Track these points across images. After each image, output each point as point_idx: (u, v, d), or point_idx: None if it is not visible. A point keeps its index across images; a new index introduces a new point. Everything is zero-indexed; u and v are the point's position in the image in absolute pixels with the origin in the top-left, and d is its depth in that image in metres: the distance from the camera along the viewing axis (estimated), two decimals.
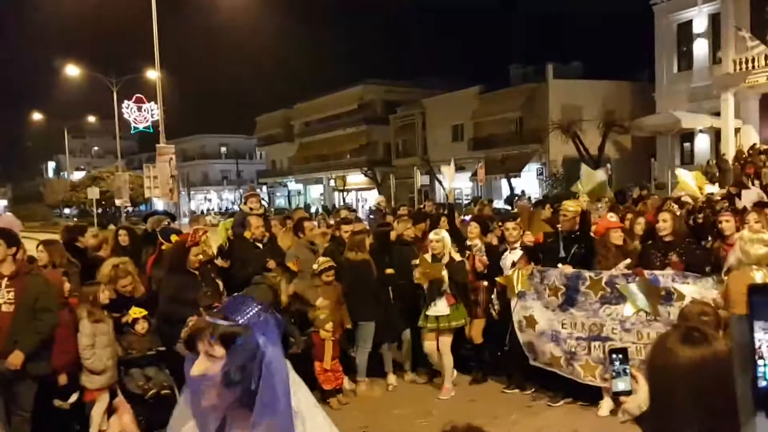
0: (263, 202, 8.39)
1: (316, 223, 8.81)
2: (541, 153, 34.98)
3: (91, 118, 57.78)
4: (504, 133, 37.27)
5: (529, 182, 34.41)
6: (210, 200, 70.88)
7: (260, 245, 6.96)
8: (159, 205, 26.85)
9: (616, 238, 6.13)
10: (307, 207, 40.89)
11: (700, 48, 26.78)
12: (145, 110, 28.71)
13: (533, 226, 7.16)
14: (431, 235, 6.78)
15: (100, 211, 37.52)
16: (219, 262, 6.63)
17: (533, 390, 6.50)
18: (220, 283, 6.31)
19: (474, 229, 7.31)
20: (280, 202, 59.68)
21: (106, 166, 51.56)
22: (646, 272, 5.70)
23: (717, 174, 16.18)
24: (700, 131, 26.20)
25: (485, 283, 6.87)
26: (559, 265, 6.19)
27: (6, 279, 5.00)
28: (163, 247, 6.62)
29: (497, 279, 6.69)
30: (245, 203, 7.72)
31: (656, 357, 1.69)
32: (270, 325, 1.71)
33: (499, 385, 6.81)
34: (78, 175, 58.60)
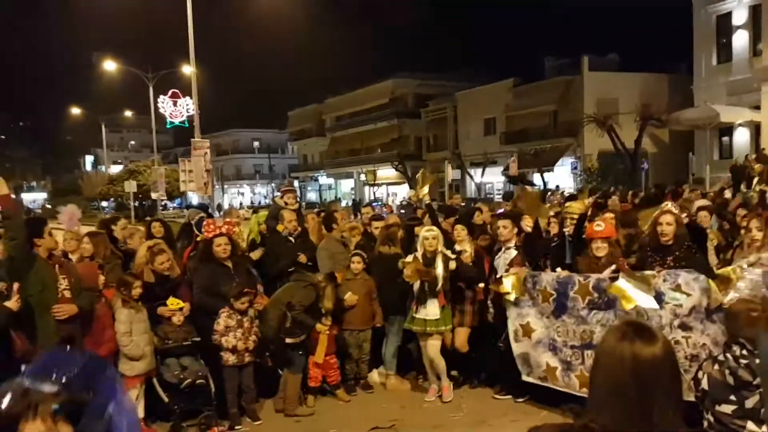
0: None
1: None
2: (576, 147, 34.51)
3: (128, 113, 58.95)
4: (537, 127, 36.86)
5: (562, 177, 33.97)
6: (243, 194, 71.72)
7: (292, 239, 7.04)
8: (194, 198, 27.29)
9: (598, 249, 5.68)
10: (337, 201, 41.08)
11: (740, 40, 26.10)
12: (180, 105, 29.14)
13: (532, 208, 6.88)
14: (424, 232, 6.38)
15: (137, 204, 38.25)
16: (255, 254, 6.71)
17: (527, 397, 6.18)
18: (256, 273, 6.41)
19: (461, 231, 6.72)
20: (311, 196, 60.06)
21: (143, 160, 52.52)
22: (629, 272, 5.33)
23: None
24: (739, 125, 25.59)
25: (474, 289, 6.52)
26: (558, 269, 5.88)
27: (59, 268, 5.19)
28: (199, 239, 6.75)
29: (491, 286, 6.27)
30: (282, 197, 7.81)
31: (597, 352, 1.71)
32: (116, 385, 1.34)
33: (486, 391, 6.54)
34: (115, 169, 59.85)
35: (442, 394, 6.41)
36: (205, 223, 6.46)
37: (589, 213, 6.41)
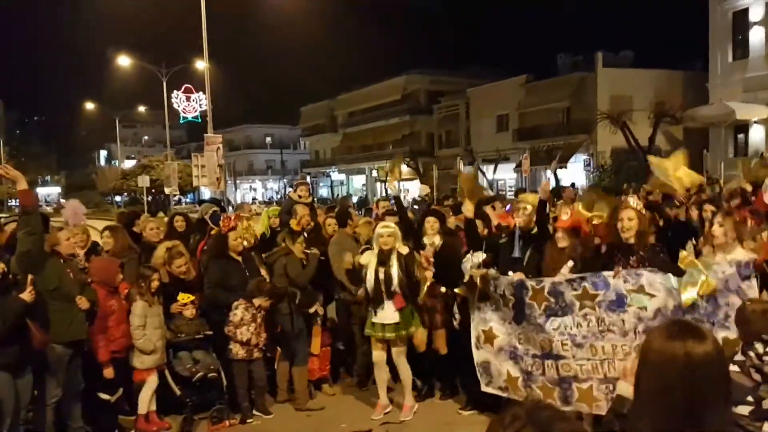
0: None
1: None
2: (589, 144, 34.31)
3: (142, 108, 59.29)
4: (550, 124, 36.68)
5: (576, 174, 33.79)
6: (255, 189, 71.98)
7: (305, 234, 7.05)
8: (206, 193, 27.40)
9: (559, 240, 5.33)
10: (349, 197, 41.13)
11: (757, 36, 25.78)
12: (193, 100, 29.30)
13: (470, 192, 6.32)
14: (379, 228, 5.95)
15: (150, 198, 38.50)
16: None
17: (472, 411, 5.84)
18: (264, 272, 6.43)
19: (434, 224, 6.34)
20: (323, 192, 60.16)
21: (156, 155, 52.82)
22: (589, 274, 4.91)
23: None
24: (755, 122, 25.30)
25: (443, 289, 6.05)
26: (510, 273, 5.43)
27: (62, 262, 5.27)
28: (213, 233, 6.79)
29: (456, 290, 5.89)
30: (295, 191, 7.82)
31: (641, 350, 1.66)
32: None
33: (454, 404, 6.16)
34: (129, 164, 60.25)
35: (402, 410, 5.94)
36: (223, 217, 6.50)
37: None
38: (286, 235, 6.62)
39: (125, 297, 5.69)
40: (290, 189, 7.58)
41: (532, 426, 0.99)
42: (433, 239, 6.27)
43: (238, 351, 5.88)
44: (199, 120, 28.40)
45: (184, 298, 5.96)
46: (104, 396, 5.57)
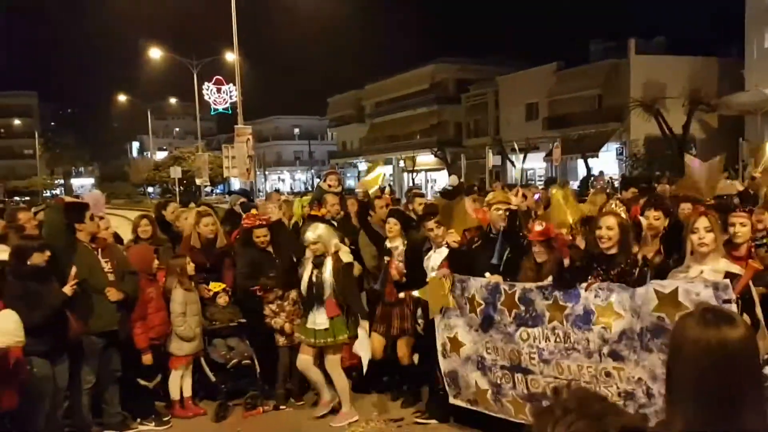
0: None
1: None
2: (622, 132, 33.73)
3: (173, 100, 60.05)
4: (582, 112, 36.14)
5: (607, 163, 33.28)
6: (283, 180, 72.46)
7: (335, 223, 7.08)
8: (236, 184, 27.69)
9: (538, 254, 4.78)
10: None
11: None
12: (224, 92, 29.56)
13: (455, 220, 5.44)
14: (306, 235, 5.62)
15: (181, 189, 39.06)
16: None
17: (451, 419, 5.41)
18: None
19: (393, 226, 5.95)
20: (350, 183, 60.30)
21: (187, 147, 53.50)
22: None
23: None
24: None
25: (411, 294, 5.58)
26: (487, 274, 4.94)
27: (102, 251, 5.38)
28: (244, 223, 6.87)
29: (414, 293, 5.45)
30: (324, 180, 7.86)
31: (672, 341, 1.61)
32: None
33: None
34: (160, 155, 61.13)
35: (336, 416, 5.66)
36: (244, 216, 6.56)
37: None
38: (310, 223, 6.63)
39: (162, 285, 5.81)
40: (318, 179, 7.57)
41: (585, 419, 0.96)
42: (395, 243, 5.90)
43: (279, 338, 5.96)
44: (230, 111, 28.68)
45: (215, 286, 6.05)
46: (143, 382, 5.70)
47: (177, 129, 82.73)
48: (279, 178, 73.30)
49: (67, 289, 4.83)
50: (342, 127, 63.09)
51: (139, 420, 5.78)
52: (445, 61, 48.41)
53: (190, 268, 5.80)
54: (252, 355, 5.97)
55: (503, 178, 32.74)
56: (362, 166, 60.85)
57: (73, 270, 4.94)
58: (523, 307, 4.60)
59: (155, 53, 33.72)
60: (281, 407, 5.98)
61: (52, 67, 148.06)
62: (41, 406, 4.84)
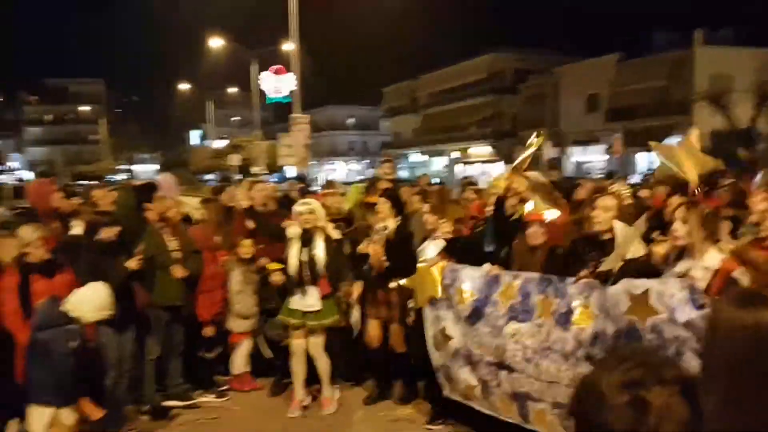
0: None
1: None
2: (686, 126, 32.60)
3: (232, 90, 61.29)
4: (645, 104, 35.03)
5: None
6: (336, 170, 73.13)
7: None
8: (291, 172, 28.11)
9: (532, 236, 4.51)
10: (426, 175, 40.91)
11: None
12: (281, 81, 29.95)
13: (445, 211, 5.42)
14: (297, 206, 5.54)
15: (239, 177, 39.97)
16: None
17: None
18: None
19: (383, 206, 5.68)
20: (403, 174, 60.24)
21: (245, 136, 54.55)
22: (557, 278, 4.14)
23: None
24: None
25: (401, 282, 5.27)
26: (487, 264, 4.65)
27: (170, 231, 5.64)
28: None
29: (401, 282, 5.19)
30: (380, 168, 7.94)
31: (708, 324, 1.58)
32: None
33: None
34: (219, 144, 62.59)
35: (323, 406, 5.61)
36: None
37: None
38: (363, 210, 6.68)
39: (222, 264, 6.03)
40: (371, 170, 7.47)
41: (643, 367, 0.99)
42: (386, 223, 5.64)
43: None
44: (288, 100, 29.08)
45: (272, 266, 6.22)
46: (206, 354, 5.96)
47: (235, 118, 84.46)
48: (333, 168, 73.98)
49: (132, 263, 5.09)
50: (396, 117, 63.09)
51: (199, 391, 6.06)
52: (503, 50, 47.70)
53: (248, 249, 5.98)
54: None
55: (560, 170, 32.13)
56: (414, 157, 60.85)
57: (140, 246, 5.20)
58: (520, 298, 4.31)
59: (216, 42, 34.50)
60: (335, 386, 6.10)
61: (116, 56, 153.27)
62: (108, 373, 5.14)
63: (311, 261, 5.34)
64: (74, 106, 75.13)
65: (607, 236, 4.07)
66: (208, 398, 6.04)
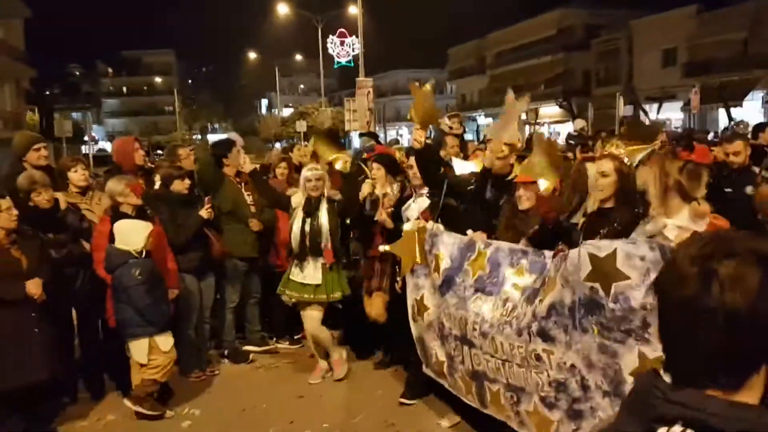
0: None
1: None
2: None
3: (298, 57, 61.85)
4: (724, 58, 33.11)
5: (751, 113, 30.44)
6: (401, 136, 72.96)
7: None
8: (354, 139, 28.34)
9: (521, 200, 4.12)
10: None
11: None
12: (347, 45, 30.07)
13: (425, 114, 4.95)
14: (306, 171, 5.31)
15: (306, 144, 40.61)
16: None
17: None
18: None
19: (377, 171, 5.47)
20: (469, 136, 59.42)
21: (311, 103, 55.17)
22: (532, 250, 3.73)
23: None
24: None
25: (384, 248, 4.88)
26: (469, 231, 4.23)
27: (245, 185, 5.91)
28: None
29: (383, 248, 4.83)
30: (446, 120, 7.85)
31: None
32: None
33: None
34: (287, 112, 63.58)
35: (333, 371, 5.50)
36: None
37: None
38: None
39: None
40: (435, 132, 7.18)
41: (715, 242, 1.02)
42: (385, 189, 5.40)
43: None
44: (352, 64, 29.13)
45: None
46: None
47: (302, 86, 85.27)
48: (397, 132, 73.79)
49: (204, 213, 5.38)
50: (462, 79, 62.06)
51: (275, 339, 6.37)
52: (573, 5, 45.88)
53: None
54: None
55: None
56: (482, 120, 59.91)
57: (207, 197, 5.50)
58: (488, 269, 3.92)
59: (282, 9, 34.82)
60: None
61: (186, 26, 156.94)
62: (191, 318, 5.48)
63: (313, 231, 5.19)
64: (149, 78, 77.71)
65: (607, 205, 3.55)
66: (283, 345, 6.35)
